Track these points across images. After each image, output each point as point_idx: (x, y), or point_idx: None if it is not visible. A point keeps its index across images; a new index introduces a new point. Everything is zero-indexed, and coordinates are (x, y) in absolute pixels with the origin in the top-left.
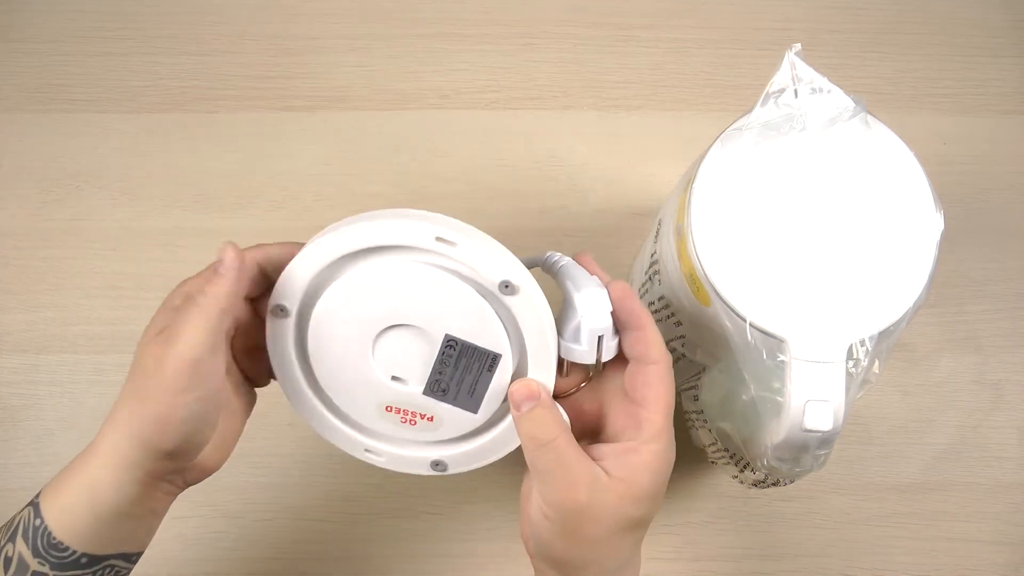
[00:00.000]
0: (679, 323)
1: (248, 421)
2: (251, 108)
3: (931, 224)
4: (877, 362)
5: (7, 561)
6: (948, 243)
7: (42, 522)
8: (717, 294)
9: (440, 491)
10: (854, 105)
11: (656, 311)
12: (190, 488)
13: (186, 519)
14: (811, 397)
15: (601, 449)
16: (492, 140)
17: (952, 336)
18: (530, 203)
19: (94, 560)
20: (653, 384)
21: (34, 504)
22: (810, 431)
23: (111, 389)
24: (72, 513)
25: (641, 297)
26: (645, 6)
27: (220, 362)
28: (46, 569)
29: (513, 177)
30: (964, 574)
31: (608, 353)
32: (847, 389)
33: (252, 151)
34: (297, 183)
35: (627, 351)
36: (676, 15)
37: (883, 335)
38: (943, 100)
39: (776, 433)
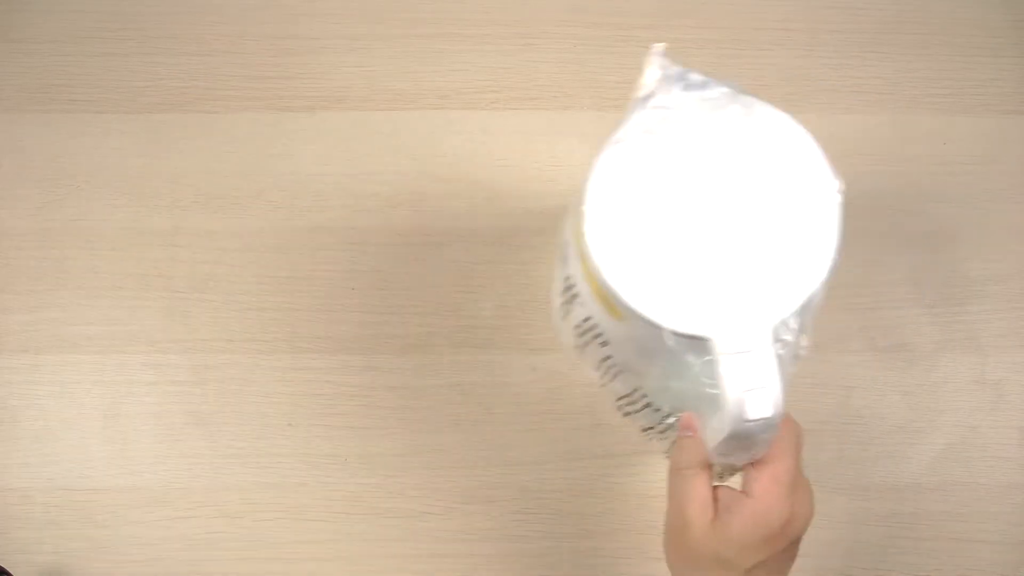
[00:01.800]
0: (605, 343)
1: (248, 421)
2: (251, 108)
3: (830, 191)
4: (804, 335)
5: None
6: (948, 243)
7: None
8: (628, 308)
9: (440, 491)
10: (729, 91)
11: (582, 334)
12: (190, 488)
13: (186, 519)
14: (747, 387)
15: (723, 491)
16: (492, 140)
17: (952, 336)
18: (530, 203)
19: None
20: (773, 450)
21: None
22: (752, 420)
23: (112, 389)
24: None
25: (563, 319)
26: (645, 6)
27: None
28: None
29: (513, 177)
30: (964, 574)
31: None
32: (780, 371)
33: (252, 151)
34: (297, 183)
35: None
36: (676, 15)
37: (803, 309)
38: (943, 100)
39: (719, 430)
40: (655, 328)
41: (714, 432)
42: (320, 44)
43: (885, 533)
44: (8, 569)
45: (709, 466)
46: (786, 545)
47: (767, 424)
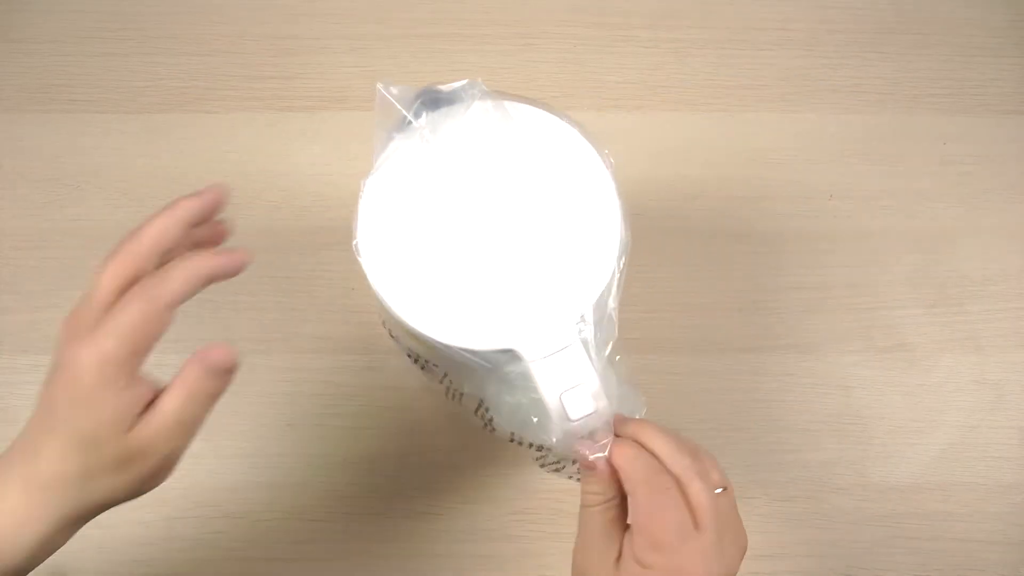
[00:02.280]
0: (436, 364)
1: (248, 421)
2: (251, 108)
3: (603, 176)
4: (610, 327)
5: None
6: (948, 243)
7: None
8: (420, 335)
9: (440, 491)
10: (471, 97)
11: (415, 360)
12: (190, 488)
13: (186, 519)
14: (563, 389)
15: (627, 538)
16: None
17: (952, 336)
18: None
19: None
20: (636, 514)
21: None
22: (577, 419)
23: None
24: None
25: (398, 342)
26: (645, 6)
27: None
28: None
29: None
30: (964, 574)
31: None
32: (592, 363)
33: (252, 151)
34: (297, 183)
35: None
36: (676, 15)
37: (599, 303)
38: (943, 100)
39: (554, 432)
40: (451, 349)
41: (550, 436)
42: (320, 44)
43: (885, 533)
44: None
45: (618, 500)
46: None
47: (595, 419)
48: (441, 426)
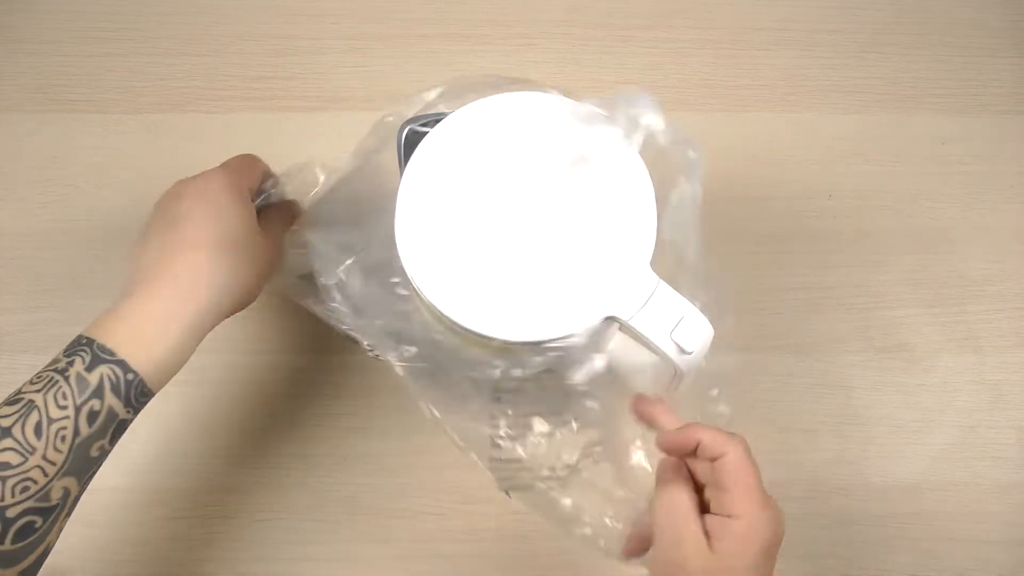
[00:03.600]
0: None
1: (248, 421)
2: (251, 108)
3: (632, 157)
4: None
5: (92, 414)
6: (948, 243)
7: (135, 376)
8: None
9: (440, 491)
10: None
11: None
12: (190, 488)
13: (186, 519)
14: (670, 328)
15: (708, 519)
16: None
17: (952, 336)
18: None
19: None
20: (730, 473)
21: (116, 362)
22: (691, 352)
23: None
24: (165, 370)
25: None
26: (644, 7)
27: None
28: (130, 415)
29: None
30: (964, 574)
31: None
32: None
33: (251, 151)
34: None
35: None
36: (675, 15)
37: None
38: (942, 100)
39: (681, 373)
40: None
41: (679, 379)
42: (320, 44)
43: (885, 533)
44: None
45: (693, 490)
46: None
47: (706, 341)
48: (441, 426)
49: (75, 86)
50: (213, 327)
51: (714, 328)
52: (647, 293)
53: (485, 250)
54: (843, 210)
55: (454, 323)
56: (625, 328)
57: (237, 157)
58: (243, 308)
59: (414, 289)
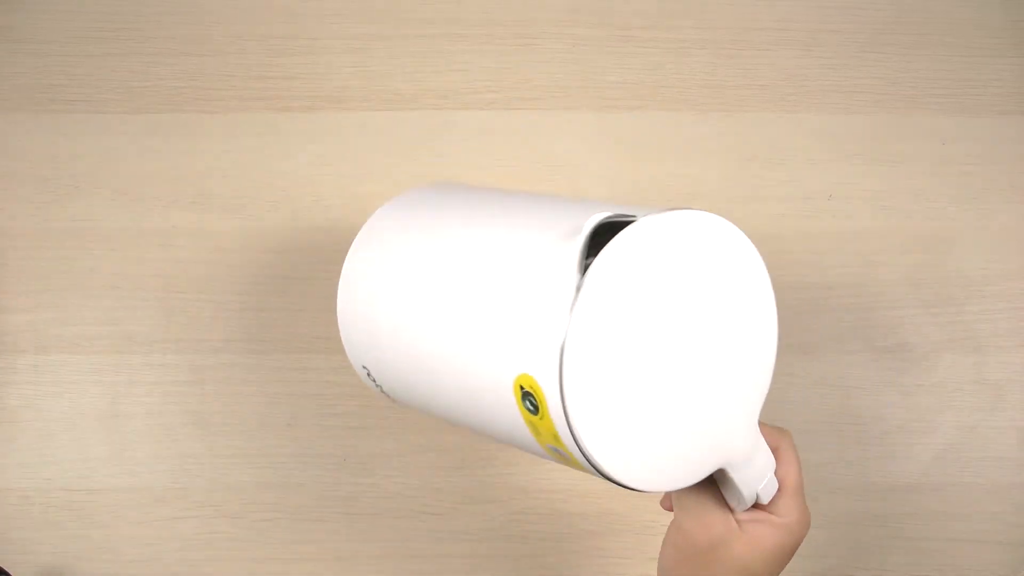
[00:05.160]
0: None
1: (248, 421)
2: (250, 108)
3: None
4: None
5: None
6: (948, 243)
7: None
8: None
9: (440, 491)
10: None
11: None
12: (190, 488)
13: (186, 519)
14: (758, 486)
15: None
16: (491, 140)
17: (952, 336)
18: None
19: None
20: (782, 465)
21: None
22: (768, 500)
23: (110, 389)
24: None
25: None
26: (644, 6)
27: None
28: None
29: (512, 178)
30: (963, 574)
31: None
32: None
33: (251, 151)
34: (296, 184)
35: None
36: (675, 15)
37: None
38: (943, 100)
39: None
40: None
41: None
42: (320, 44)
43: (885, 533)
44: (8, 569)
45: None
46: None
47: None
48: (441, 426)
49: (75, 86)
50: None
51: None
52: (751, 445)
53: (645, 396)
54: (843, 210)
55: (594, 467)
56: (720, 477)
57: None
58: None
59: (569, 430)
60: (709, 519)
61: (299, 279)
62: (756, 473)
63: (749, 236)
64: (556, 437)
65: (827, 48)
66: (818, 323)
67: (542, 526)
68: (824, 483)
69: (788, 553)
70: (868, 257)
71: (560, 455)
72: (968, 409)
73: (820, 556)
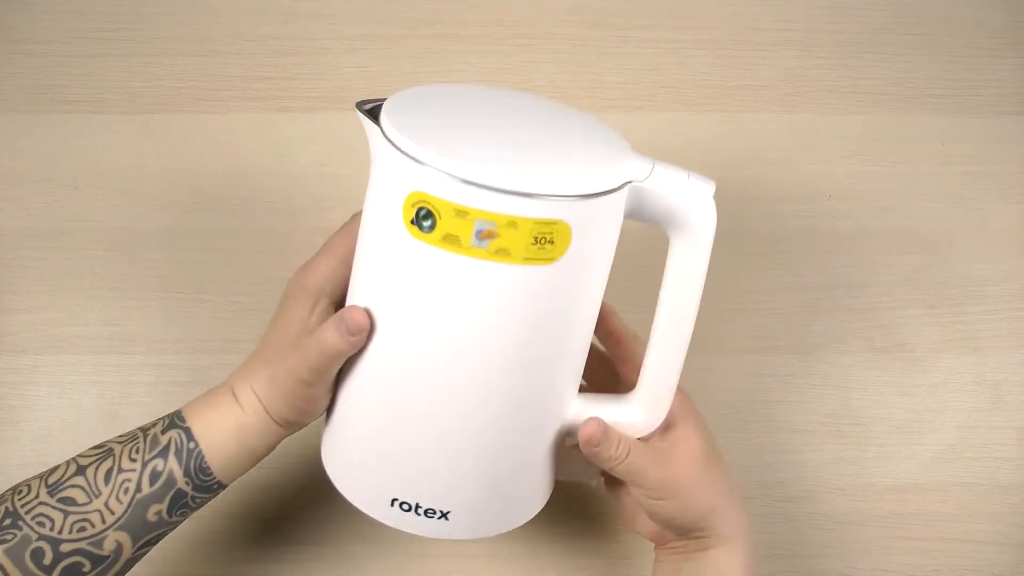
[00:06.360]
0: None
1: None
2: (250, 108)
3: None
4: None
5: (155, 474)
6: (948, 243)
7: (196, 447)
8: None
9: None
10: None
11: None
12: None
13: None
14: (686, 177)
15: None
16: None
17: (951, 336)
18: None
19: (220, 487)
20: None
21: (184, 428)
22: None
23: (110, 390)
24: (224, 449)
25: None
26: (644, 7)
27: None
28: (188, 489)
29: None
30: (964, 574)
31: None
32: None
33: (251, 151)
34: (296, 184)
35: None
36: (675, 16)
37: None
38: (942, 100)
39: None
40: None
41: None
42: (320, 44)
43: (884, 533)
44: None
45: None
46: None
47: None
48: None
49: (75, 86)
50: (281, 434)
51: None
52: (648, 165)
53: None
54: (843, 210)
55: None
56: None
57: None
58: (309, 416)
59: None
60: (653, 461)
61: None
62: (673, 174)
63: (749, 236)
64: (461, 213)
65: (827, 48)
66: (818, 323)
67: (542, 526)
68: (824, 483)
69: (697, 412)
70: (868, 257)
71: (488, 232)
72: (967, 409)
73: (820, 556)
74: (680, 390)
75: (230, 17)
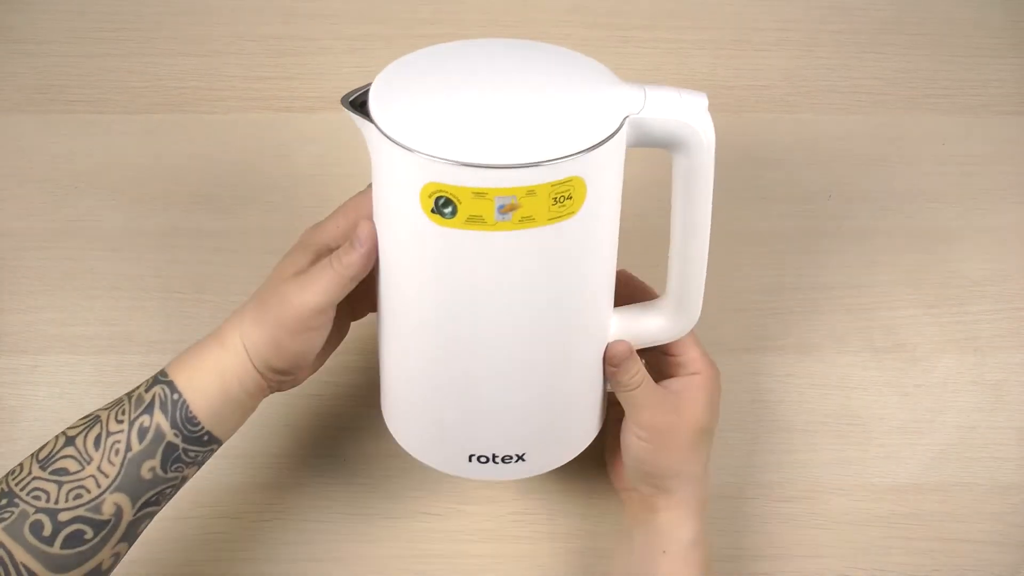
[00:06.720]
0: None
1: (247, 423)
2: (251, 108)
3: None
4: None
5: (143, 431)
6: (948, 243)
7: (180, 397)
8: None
9: (440, 492)
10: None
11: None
12: (190, 488)
13: (186, 519)
14: (677, 95)
15: (665, 383)
16: None
17: (951, 336)
18: None
19: (212, 440)
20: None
21: (166, 382)
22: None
23: (110, 390)
24: (206, 394)
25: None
26: (644, 7)
27: (334, 311)
28: (179, 441)
29: None
30: (963, 574)
31: None
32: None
33: (251, 151)
34: (296, 184)
35: None
36: (675, 16)
37: None
38: (943, 100)
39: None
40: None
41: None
42: (320, 44)
43: (884, 533)
44: None
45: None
46: None
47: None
48: None
49: (75, 86)
50: (260, 384)
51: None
52: (640, 92)
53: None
54: (843, 210)
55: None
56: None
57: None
58: (289, 365)
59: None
60: (659, 402)
61: None
62: (668, 96)
63: (748, 236)
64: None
65: (827, 48)
66: (818, 323)
67: (542, 526)
68: (824, 483)
69: (718, 397)
70: (868, 257)
71: (510, 205)
72: (967, 410)
73: (820, 556)
74: (716, 368)
75: (230, 17)
